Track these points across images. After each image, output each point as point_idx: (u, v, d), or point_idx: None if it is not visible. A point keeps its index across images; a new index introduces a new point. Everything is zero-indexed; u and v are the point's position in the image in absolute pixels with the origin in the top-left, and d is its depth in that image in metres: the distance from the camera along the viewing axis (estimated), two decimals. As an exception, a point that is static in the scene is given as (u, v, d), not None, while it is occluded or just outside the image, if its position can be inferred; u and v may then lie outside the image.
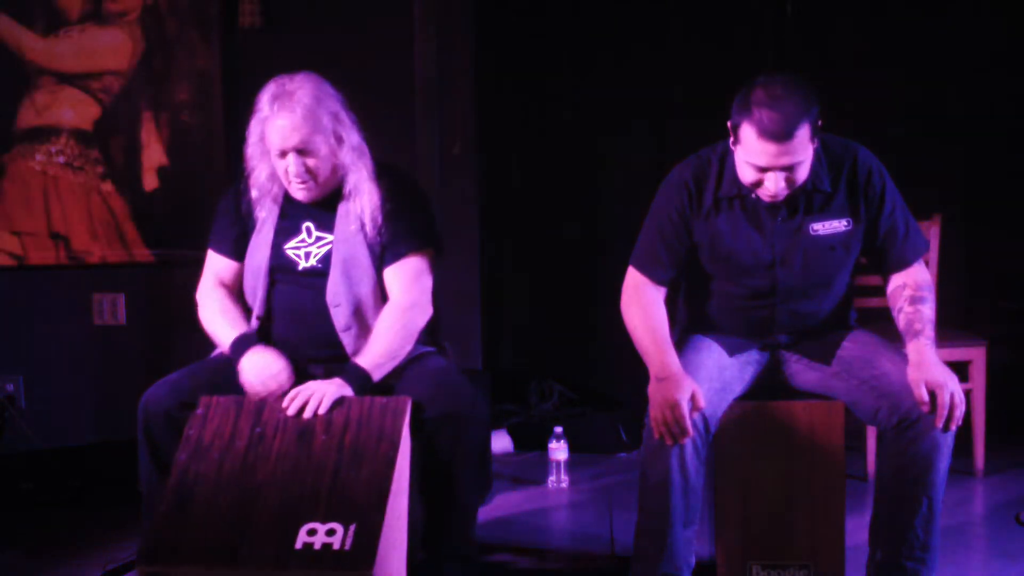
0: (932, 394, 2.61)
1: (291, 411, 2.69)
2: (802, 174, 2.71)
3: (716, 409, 2.78)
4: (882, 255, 2.88)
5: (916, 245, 2.87)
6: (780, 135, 2.61)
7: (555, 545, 3.50)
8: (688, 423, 2.62)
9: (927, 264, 4.00)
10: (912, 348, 2.73)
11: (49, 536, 3.59)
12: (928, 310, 2.80)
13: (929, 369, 2.65)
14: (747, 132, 2.65)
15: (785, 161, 2.65)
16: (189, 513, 2.53)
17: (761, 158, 2.66)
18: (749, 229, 2.83)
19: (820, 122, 2.68)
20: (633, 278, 2.91)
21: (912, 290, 2.82)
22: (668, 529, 2.72)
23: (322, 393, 2.71)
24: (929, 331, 2.76)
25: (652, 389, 2.71)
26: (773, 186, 2.69)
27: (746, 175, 2.73)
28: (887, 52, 4.77)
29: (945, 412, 2.60)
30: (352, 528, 2.46)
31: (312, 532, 2.47)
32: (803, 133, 2.63)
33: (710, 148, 2.89)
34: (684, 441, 2.65)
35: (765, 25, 4.82)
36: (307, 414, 2.68)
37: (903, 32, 4.78)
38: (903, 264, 2.86)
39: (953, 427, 2.64)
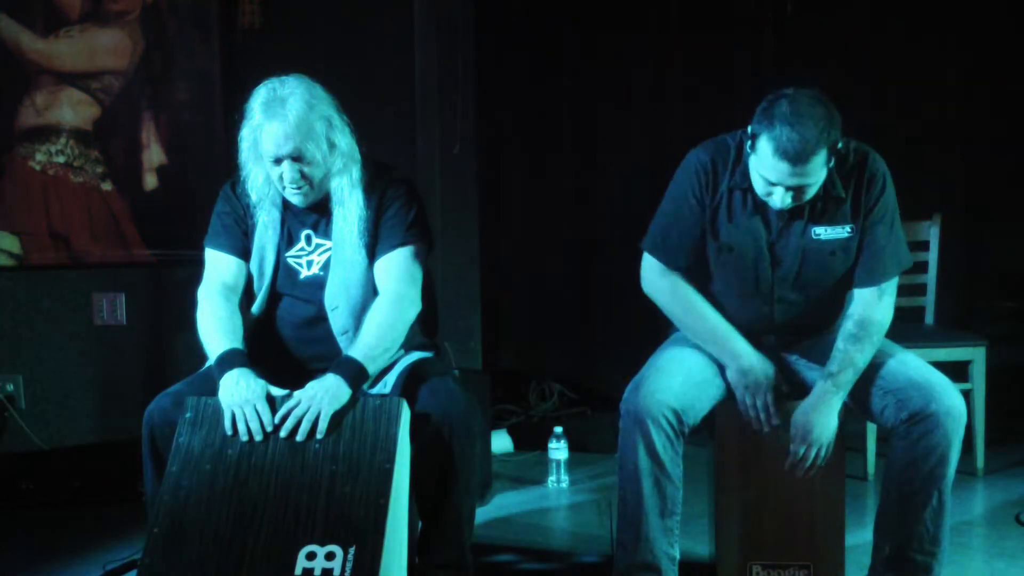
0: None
1: (282, 434, 2.59)
2: (810, 193, 2.70)
3: (692, 402, 2.76)
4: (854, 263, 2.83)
5: (886, 266, 2.80)
6: (795, 157, 2.59)
7: (555, 545, 3.50)
8: (773, 413, 2.80)
9: (928, 265, 4.03)
10: (817, 388, 2.78)
11: (49, 536, 3.59)
12: (859, 354, 2.75)
13: (814, 418, 2.75)
14: (764, 146, 2.63)
15: (795, 182, 2.65)
16: (183, 537, 2.44)
17: (772, 174, 2.65)
18: (755, 223, 2.81)
19: (839, 143, 2.66)
20: (650, 264, 2.90)
21: (856, 327, 2.77)
22: (643, 517, 2.74)
23: (316, 411, 2.60)
24: (844, 377, 2.76)
25: (737, 380, 2.80)
26: (779, 201, 2.69)
27: (757, 184, 2.73)
28: (887, 51, 4.77)
29: (799, 462, 2.77)
30: (351, 552, 2.39)
31: (311, 556, 2.39)
32: (819, 158, 2.61)
33: (730, 134, 2.85)
34: (650, 430, 2.67)
35: (765, 25, 4.82)
36: (300, 437, 2.58)
37: (903, 32, 4.78)
38: (864, 281, 2.81)
39: (801, 474, 2.80)
